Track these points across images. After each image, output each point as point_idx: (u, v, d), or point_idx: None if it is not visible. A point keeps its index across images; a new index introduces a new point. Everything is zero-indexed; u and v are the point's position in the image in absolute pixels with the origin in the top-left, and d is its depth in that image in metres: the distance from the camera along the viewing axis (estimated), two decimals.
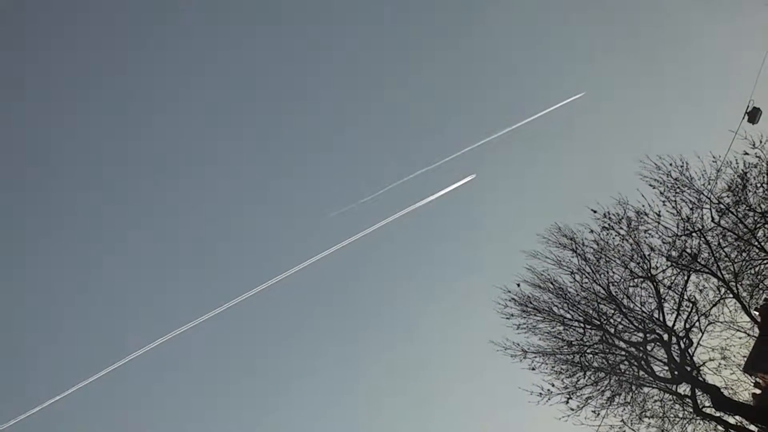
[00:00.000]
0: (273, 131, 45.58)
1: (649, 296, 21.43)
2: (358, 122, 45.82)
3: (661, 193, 20.15)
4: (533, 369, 22.17)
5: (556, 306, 22.16)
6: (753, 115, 21.08)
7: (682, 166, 19.96)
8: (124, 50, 42.90)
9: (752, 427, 20.37)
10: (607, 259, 21.46)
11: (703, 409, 20.70)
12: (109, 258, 43.84)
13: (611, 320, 21.76)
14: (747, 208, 19.62)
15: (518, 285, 22.43)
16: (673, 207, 20.11)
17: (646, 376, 21.34)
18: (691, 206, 20.00)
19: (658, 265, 21.05)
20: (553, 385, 21.71)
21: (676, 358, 20.74)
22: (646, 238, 20.92)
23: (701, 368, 21.05)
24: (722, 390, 20.47)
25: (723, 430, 21.29)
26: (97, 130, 42.99)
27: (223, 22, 42.49)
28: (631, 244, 21.11)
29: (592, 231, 21.49)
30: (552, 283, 22.15)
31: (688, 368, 20.60)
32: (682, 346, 20.87)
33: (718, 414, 20.56)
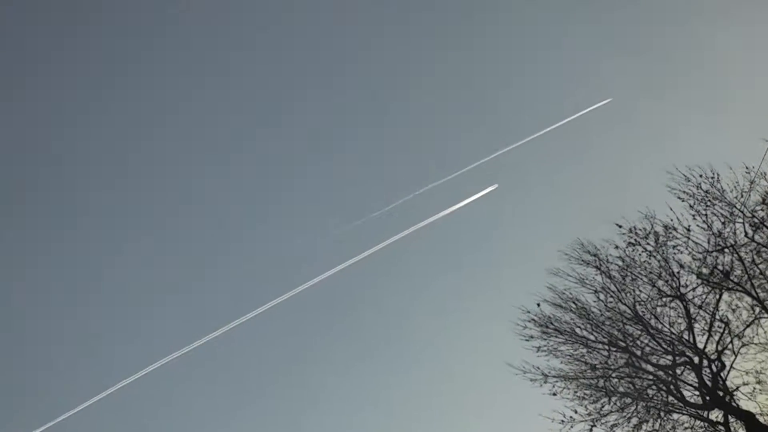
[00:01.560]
0: (286, 133, 44.82)
1: (679, 316, 20.58)
2: (374, 131, 45.12)
3: (690, 206, 19.53)
4: (554, 394, 21.32)
5: (579, 327, 21.31)
6: None
7: (712, 178, 19.37)
8: (127, 50, 42.40)
9: None
10: (634, 276, 20.68)
11: None
12: (109, 271, 42.93)
13: (638, 342, 20.90)
14: None
15: (538, 305, 21.66)
16: (704, 221, 19.46)
17: (675, 401, 20.52)
18: (722, 220, 19.33)
19: (688, 283, 20.26)
20: (575, 412, 20.83)
21: (708, 383, 19.89)
22: (674, 254, 20.17)
23: (734, 393, 20.17)
24: (757, 416, 19.45)
25: None
26: (97, 131, 42.36)
27: (231, 21, 42.03)
28: (658, 261, 20.33)
29: (617, 247, 20.75)
30: (574, 303, 21.33)
31: (721, 393, 19.77)
32: (714, 369, 20.02)
33: None
